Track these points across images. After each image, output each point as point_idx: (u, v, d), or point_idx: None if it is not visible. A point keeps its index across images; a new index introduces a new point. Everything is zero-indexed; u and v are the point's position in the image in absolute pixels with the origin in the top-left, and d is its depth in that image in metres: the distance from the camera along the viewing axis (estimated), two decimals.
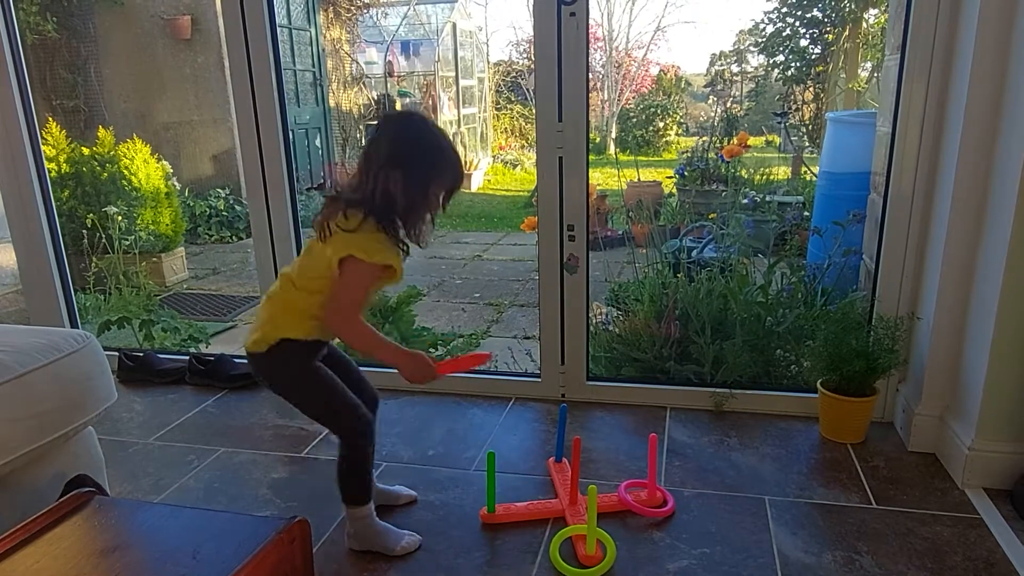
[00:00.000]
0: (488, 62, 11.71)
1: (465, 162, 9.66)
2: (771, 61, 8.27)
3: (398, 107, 9.34)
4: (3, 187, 2.70)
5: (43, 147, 2.75)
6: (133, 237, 4.64)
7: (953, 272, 1.92)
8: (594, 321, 2.66)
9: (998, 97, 1.76)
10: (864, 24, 7.13)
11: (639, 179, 6.49)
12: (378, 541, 1.67)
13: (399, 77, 9.84)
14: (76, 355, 1.57)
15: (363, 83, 9.22)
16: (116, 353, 2.71)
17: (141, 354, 2.77)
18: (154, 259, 4.89)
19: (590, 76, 2.21)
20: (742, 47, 10.75)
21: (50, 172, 3.19)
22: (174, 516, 1.26)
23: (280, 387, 1.63)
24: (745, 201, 4.30)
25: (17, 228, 2.74)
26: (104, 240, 4.39)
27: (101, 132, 4.88)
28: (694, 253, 3.35)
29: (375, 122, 1.52)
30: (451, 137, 1.52)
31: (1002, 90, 1.75)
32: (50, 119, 5.04)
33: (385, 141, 1.51)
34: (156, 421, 2.39)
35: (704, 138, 6.35)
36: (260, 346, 1.56)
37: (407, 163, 1.48)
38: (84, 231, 4.44)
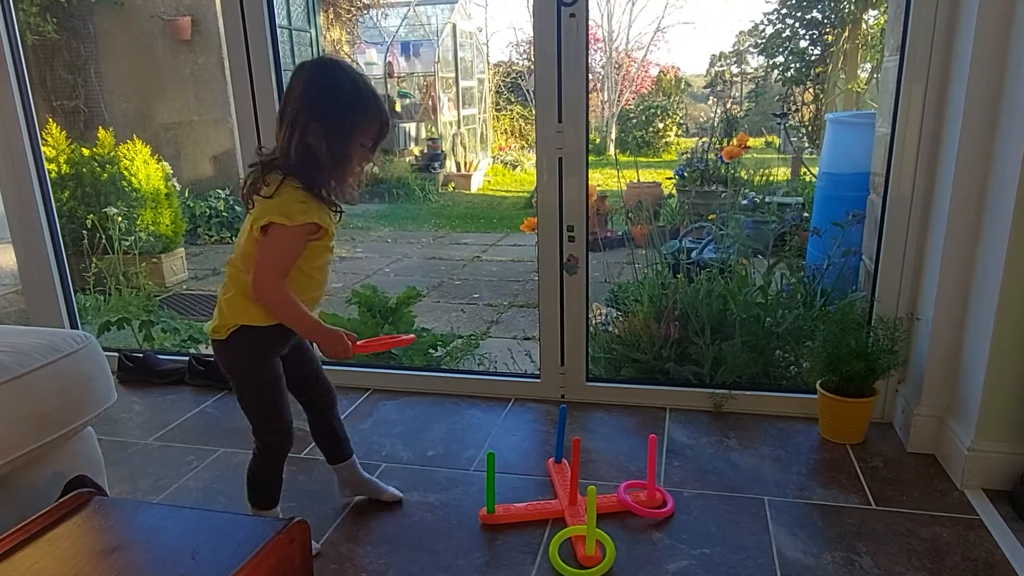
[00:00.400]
0: (488, 63, 11.71)
1: (465, 163, 9.66)
2: (771, 62, 8.28)
3: (397, 108, 9.35)
4: (3, 188, 2.70)
5: (43, 148, 2.76)
6: (133, 238, 4.64)
7: (952, 272, 1.92)
8: (594, 322, 2.66)
9: (997, 98, 1.76)
10: (863, 25, 7.13)
11: (639, 180, 6.49)
12: None
13: (399, 78, 9.85)
14: (76, 355, 1.57)
15: None
16: (116, 354, 2.71)
17: (141, 355, 2.77)
18: (154, 260, 4.90)
19: (590, 77, 2.21)
20: (742, 48, 10.74)
21: (50, 173, 3.19)
22: (173, 516, 1.26)
23: (231, 374, 1.58)
24: (744, 202, 4.30)
25: (17, 229, 2.74)
26: (104, 241, 4.39)
27: (101, 133, 4.88)
28: (694, 254, 3.35)
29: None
30: (372, 84, 1.49)
31: (1000, 90, 1.75)
32: (50, 120, 5.05)
33: (298, 91, 1.41)
34: (156, 421, 2.39)
35: (704, 139, 6.35)
36: (220, 333, 1.52)
37: (324, 112, 1.39)
38: (84, 232, 4.44)
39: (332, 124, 1.40)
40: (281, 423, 1.58)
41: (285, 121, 1.42)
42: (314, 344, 1.58)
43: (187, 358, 2.72)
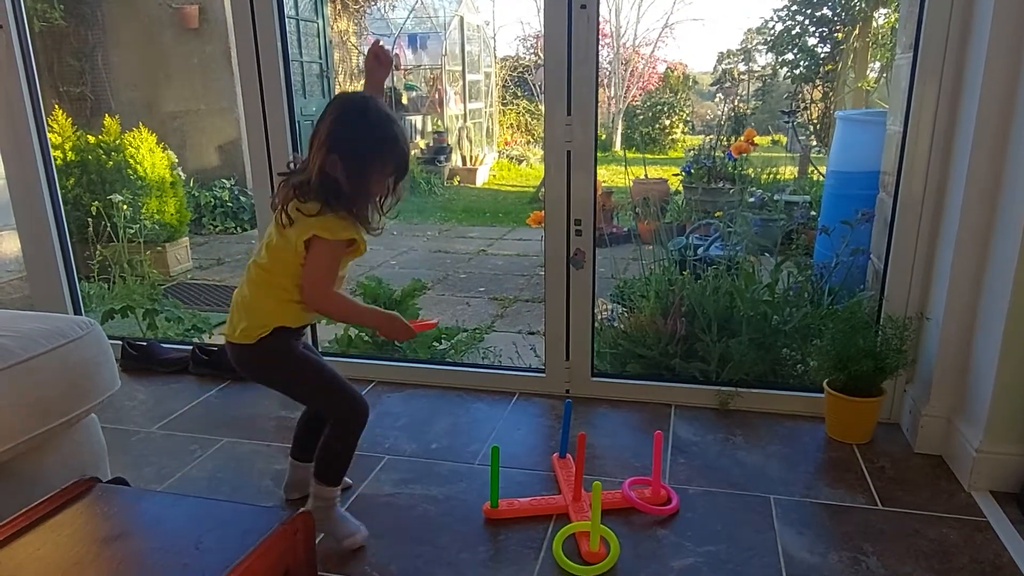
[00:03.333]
0: (495, 57, 11.68)
1: (470, 157, 9.64)
2: (779, 59, 8.24)
3: (404, 101, 9.33)
4: (9, 174, 2.70)
5: (49, 135, 2.75)
6: (138, 226, 4.64)
7: (963, 272, 1.90)
8: (599, 317, 2.65)
9: (1011, 96, 1.74)
10: (874, 23, 7.09)
11: (646, 176, 6.47)
12: (334, 526, 1.66)
13: (405, 70, 9.82)
14: (80, 342, 1.56)
15: None
16: (120, 342, 2.71)
17: (144, 343, 2.76)
18: (158, 248, 4.89)
19: (598, 72, 2.19)
20: (750, 45, 10.70)
21: (56, 160, 3.19)
22: (177, 505, 1.25)
23: (271, 376, 1.65)
24: (752, 199, 4.29)
25: (22, 215, 2.74)
26: (109, 228, 4.38)
27: (107, 120, 4.88)
28: (700, 251, 3.33)
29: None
30: (399, 122, 1.57)
31: (1015, 89, 1.73)
32: (56, 107, 5.04)
33: (326, 123, 1.49)
34: (159, 410, 2.38)
35: (711, 136, 6.32)
36: (249, 336, 1.56)
37: (345, 148, 1.48)
38: (89, 219, 4.44)
39: (350, 159, 1.48)
40: (349, 389, 1.63)
41: (312, 147, 1.51)
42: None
43: (191, 347, 2.72)
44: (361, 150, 1.49)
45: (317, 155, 1.48)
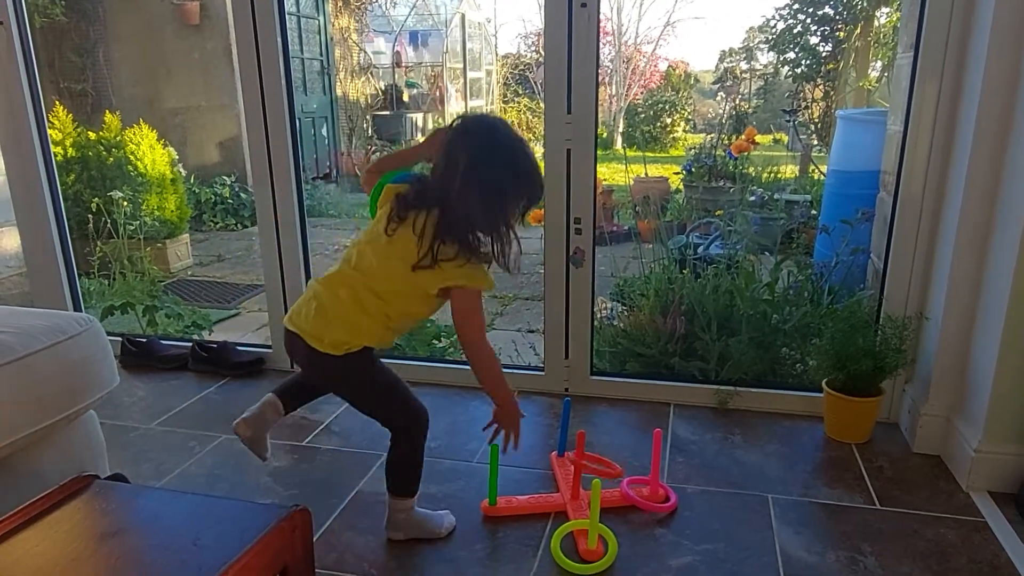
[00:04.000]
0: (496, 54, 11.67)
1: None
2: (781, 58, 8.22)
3: (405, 98, 9.33)
4: (9, 170, 2.70)
5: (49, 131, 2.74)
6: (138, 222, 4.64)
7: (963, 272, 1.90)
8: (599, 316, 2.65)
9: (1012, 96, 1.74)
10: (876, 22, 7.08)
11: (646, 174, 6.46)
12: (423, 528, 1.68)
13: (407, 68, 9.81)
14: (79, 338, 1.56)
15: (371, 73, 9.19)
16: (119, 338, 2.71)
17: (144, 340, 2.77)
18: (159, 245, 4.89)
19: (598, 70, 2.19)
20: (752, 44, 10.68)
21: (56, 156, 3.18)
22: (175, 502, 1.25)
23: (346, 389, 1.63)
24: (752, 198, 4.29)
25: (22, 211, 2.74)
26: (109, 225, 4.38)
27: (108, 117, 4.87)
28: (700, 249, 3.33)
29: (456, 120, 1.52)
30: (533, 155, 1.53)
31: (1016, 89, 1.73)
32: (57, 103, 5.04)
33: (465, 150, 1.45)
34: (158, 407, 2.38)
35: (712, 135, 6.32)
36: (338, 349, 1.50)
37: (487, 179, 1.44)
38: (89, 215, 4.44)
39: (491, 191, 1.45)
40: (417, 404, 1.65)
41: (447, 173, 1.45)
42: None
43: (190, 344, 2.72)
44: (504, 183, 1.46)
45: (460, 185, 1.43)
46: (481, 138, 1.47)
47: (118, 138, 4.81)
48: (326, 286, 1.54)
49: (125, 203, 4.55)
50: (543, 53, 2.23)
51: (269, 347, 2.69)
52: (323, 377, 1.62)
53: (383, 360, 1.65)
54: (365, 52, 9.03)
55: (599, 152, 2.27)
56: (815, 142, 7.62)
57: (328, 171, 7.74)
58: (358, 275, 1.51)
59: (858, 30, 7.18)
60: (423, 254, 1.46)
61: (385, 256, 1.50)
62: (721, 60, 11.50)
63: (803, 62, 7.74)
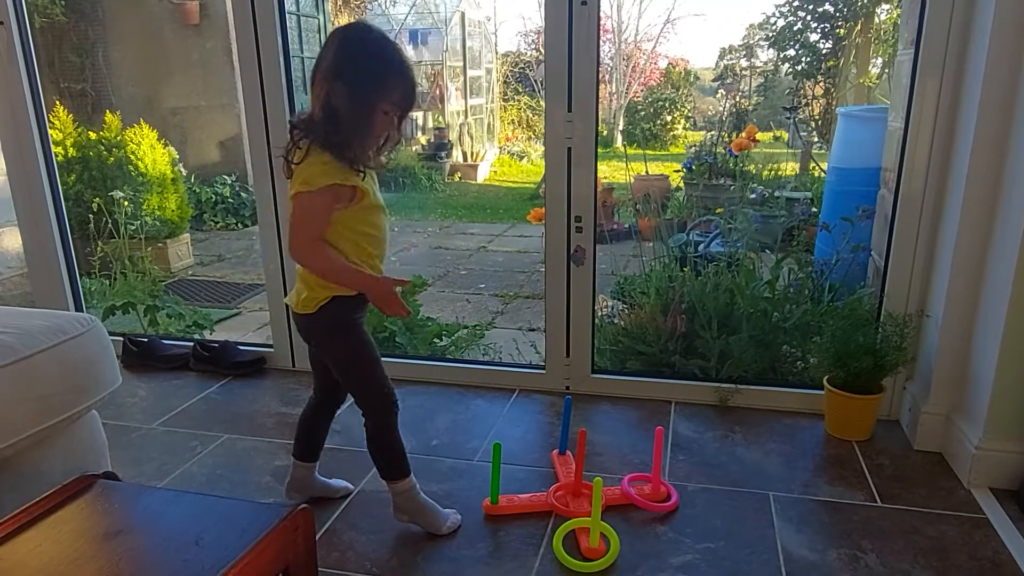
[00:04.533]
0: (496, 53, 11.65)
1: (471, 153, 9.63)
2: (781, 55, 8.21)
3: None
4: (10, 171, 2.70)
5: (50, 131, 2.75)
6: (139, 222, 4.64)
7: (963, 269, 1.90)
8: (600, 314, 2.65)
9: (1013, 93, 1.74)
10: (876, 19, 7.07)
11: (647, 172, 6.46)
12: (424, 517, 1.69)
13: None
14: (81, 338, 1.57)
15: None
16: (121, 338, 2.71)
17: (145, 339, 2.77)
18: (159, 245, 4.90)
19: (599, 68, 2.19)
20: (752, 41, 10.66)
21: (57, 156, 3.19)
22: (177, 501, 1.26)
23: (329, 347, 1.62)
24: (753, 196, 4.28)
25: (23, 211, 2.74)
26: (110, 225, 4.38)
27: (108, 117, 4.88)
28: (701, 247, 3.33)
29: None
30: (404, 54, 1.49)
31: (1017, 85, 1.73)
32: (57, 103, 5.04)
33: (329, 53, 1.43)
34: (160, 406, 2.38)
35: (712, 132, 6.31)
36: (309, 306, 1.55)
37: (348, 73, 1.41)
38: (90, 215, 4.44)
39: (354, 86, 1.41)
40: (386, 384, 1.63)
41: (315, 82, 1.44)
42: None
43: (192, 344, 2.72)
44: (366, 74, 1.42)
45: (320, 87, 1.42)
46: (344, 38, 1.45)
47: (118, 138, 4.81)
48: None
49: (126, 203, 4.56)
50: (543, 51, 2.23)
51: (270, 346, 2.69)
52: (311, 339, 1.64)
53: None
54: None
55: (599, 150, 2.27)
56: (815, 139, 7.61)
57: None
58: None
59: (858, 27, 7.17)
60: (284, 167, 1.48)
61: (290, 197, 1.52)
62: (721, 57, 11.47)
63: (803, 59, 7.72)
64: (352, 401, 1.68)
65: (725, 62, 11.24)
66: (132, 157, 4.77)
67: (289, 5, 6.91)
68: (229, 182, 6.42)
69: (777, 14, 7.93)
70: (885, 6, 6.93)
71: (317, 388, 1.77)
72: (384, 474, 1.67)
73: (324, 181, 1.44)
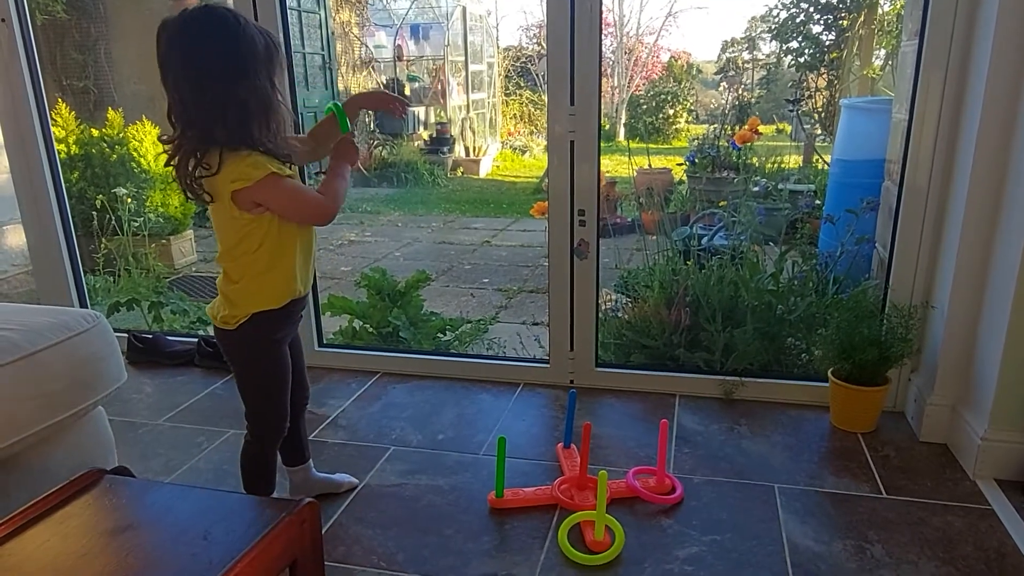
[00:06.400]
0: (498, 47, 11.62)
1: (474, 148, 9.62)
2: (784, 47, 8.18)
3: (407, 92, 9.30)
4: (14, 168, 2.70)
5: (53, 129, 2.75)
6: (142, 219, 4.64)
7: (969, 261, 1.90)
8: (604, 307, 2.65)
9: (1018, 84, 1.73)
10: (879, 10, 7.04)
11: (649, 166, 6.44)
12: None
13: (408, 61, 9.78)
14: (86, 335, 1.57)
15: (372, 67, 9.18)
16: (125, 335, 2.72)
17: (150, 336, 2.77)
18: (163, 241, 4.89)
19: (601, 62, 2.18)
20: (754, 34, 10.63)
21: (60, 154, 3.19)
22: (184, 496, 1.26)
23: (241, 360, 1.57)
24: (756, 189, 4.27)
25: (27, 209, 2.74)
26: (113, 222, 4.39)
27: (110, 114, 4.88)
28: (704, 240, 3.33)
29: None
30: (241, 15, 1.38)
31: (1022, 77, 1.72)
32: (60, 100, 5.04)
33: (167, 55, 1.31)
34: (165, 403, 2.39)
35: (715, 125, 6.30)
36: (229, 323, 1.49)
37: (194, 70, 1.30)
38: (94, 212, 4.44)
39: (207, 79, 1.30)
40: (283, 412, 1.60)
41: (167, 87, 1.32)
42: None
43: (196, 340, 2.73)
44: (216, 66, 1.30)
45: (177, 90, 1.30)
46: (172, 35, 1.33)
47: (121, 135, 4.81)
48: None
49: (129, 200, 4.55)
50: (545, 45, 2.22)
51: None
52: (226, 355, 1.58)
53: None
54: (366, 46, 9.02)
55: (602, 144, 2.27)
56: (819, 131, 7.58)
57: None
58: (220, 253, 1.48)
59: (861, 18, 7.14)
60: (188, 182, 1.34)
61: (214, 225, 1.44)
62: (723, 50, 11.43)
63: (806, 51, 7.69)
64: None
65: (727, 55, 11.20)
66: (134, 154, 4.77)
67: (290, 1, 6.90)
68: None
69: (779, 6, 7.89)
70: None
71: None
72: (247, 488, 1.65)
73: (261, 172, 1.34)
